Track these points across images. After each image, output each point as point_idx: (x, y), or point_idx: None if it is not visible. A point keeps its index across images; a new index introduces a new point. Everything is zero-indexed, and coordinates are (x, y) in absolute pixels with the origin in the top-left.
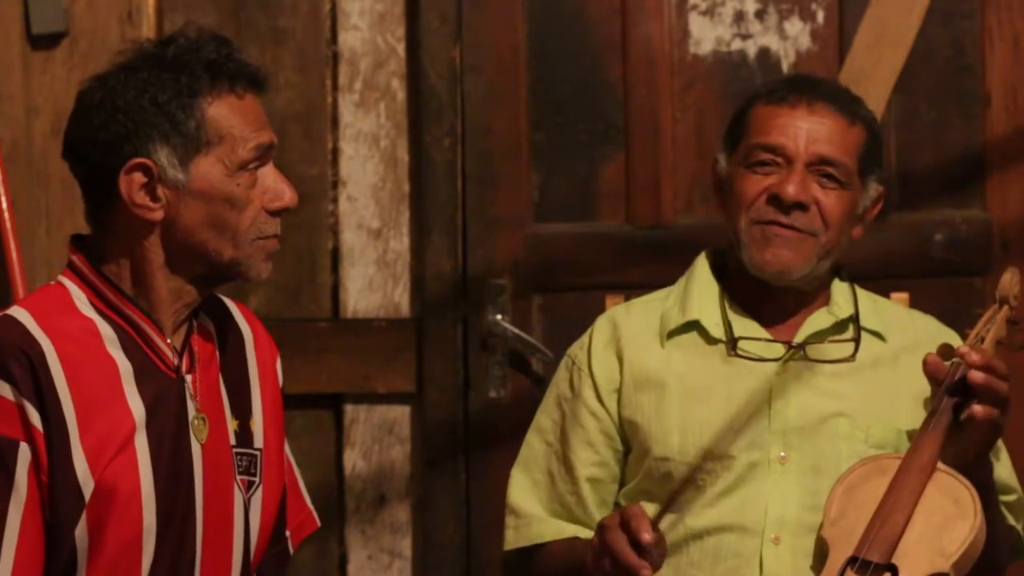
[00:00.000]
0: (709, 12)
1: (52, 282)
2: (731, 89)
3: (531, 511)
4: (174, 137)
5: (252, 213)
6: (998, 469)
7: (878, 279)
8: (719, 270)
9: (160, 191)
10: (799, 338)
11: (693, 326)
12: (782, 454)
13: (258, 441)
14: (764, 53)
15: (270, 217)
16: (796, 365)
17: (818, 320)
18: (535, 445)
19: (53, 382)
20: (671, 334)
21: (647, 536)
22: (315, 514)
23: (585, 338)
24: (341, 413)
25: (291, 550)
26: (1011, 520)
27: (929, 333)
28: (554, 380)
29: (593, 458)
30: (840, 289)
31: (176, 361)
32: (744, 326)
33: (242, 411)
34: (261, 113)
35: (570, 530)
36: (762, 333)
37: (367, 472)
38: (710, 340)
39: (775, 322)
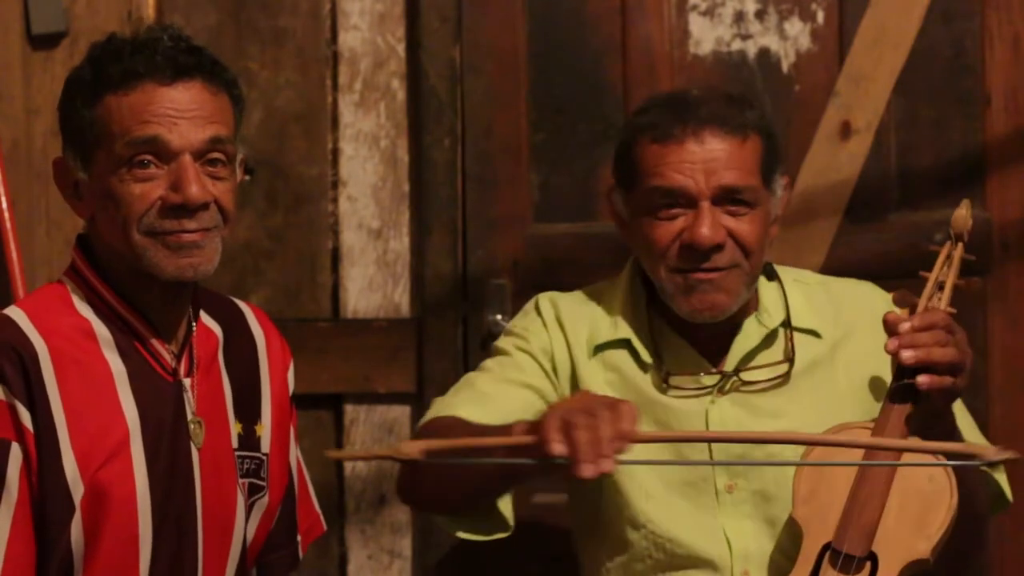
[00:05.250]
0: (709, 12)
1: (54, 281)
2: (731, 89)
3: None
4: (75, 138)
5: (139, 208)
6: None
7: (878, 279)
8: (646, 285)
9: (82, 189)
10: (731, 357)
11: (624, 344)
12: (728, 483)
13: (265, 446)
14: (764, 53)
15: (169, 212)
16: (731, 386)
17: (748, 336)
18: (460, 384)
19: (44, 382)
20: (600, 347)
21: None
22: (322, 518)
23: (530, 313)
24: (341, 413)
25: (301, 554)
26: (983, 467)
27: (869, 308)
28: (494, 347)
29: (528, 393)
30: (768, 291)
31: (174, 364)
32: (675, 354)
33: (247, 415)
34: (158, 104)
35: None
36: (694, 358)
37: (367, 472)
38: (642, 364)
39: (706, 338)
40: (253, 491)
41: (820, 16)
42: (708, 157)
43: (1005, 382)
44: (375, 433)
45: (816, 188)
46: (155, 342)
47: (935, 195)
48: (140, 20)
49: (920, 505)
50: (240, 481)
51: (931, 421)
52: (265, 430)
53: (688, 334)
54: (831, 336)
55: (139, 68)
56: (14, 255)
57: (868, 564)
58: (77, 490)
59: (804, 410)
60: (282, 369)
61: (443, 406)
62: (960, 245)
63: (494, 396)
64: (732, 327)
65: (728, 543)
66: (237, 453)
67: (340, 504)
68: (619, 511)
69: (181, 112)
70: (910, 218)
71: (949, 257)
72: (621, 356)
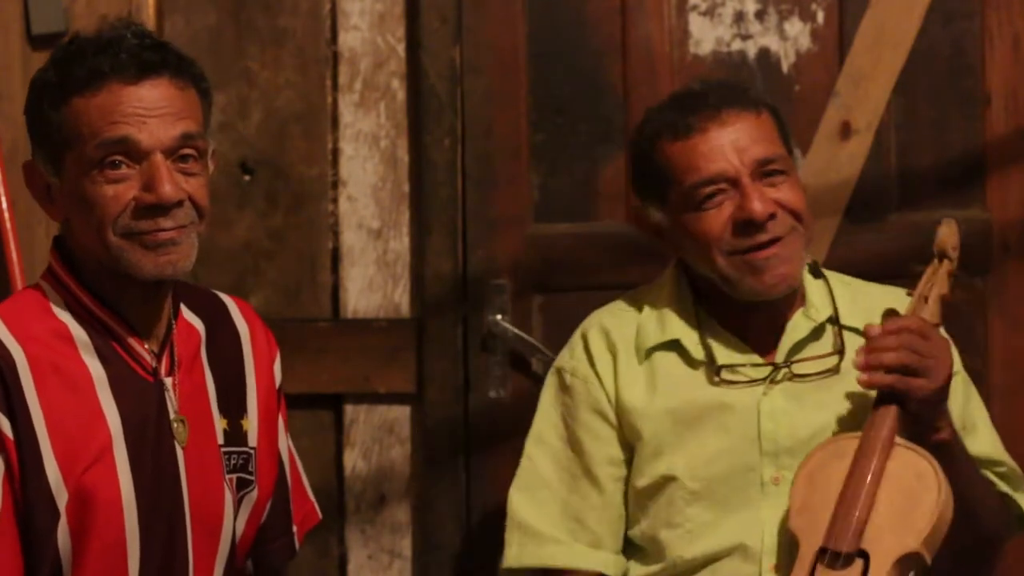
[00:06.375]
0: (709, 12)
1: (31, 285)
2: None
3: (542, 529)
4: (44, 141)
5: (114, 210)
6: (976, 444)
7: (878, 279)
8: (691, 283)
9: (54, 192)
10: (781, 349)
11: (673, 345)
12: (775, 475)
13: (252, 439)
14: (764, 53)
15: (144, 212)
16: (782, 377)
17: (797, 328)
18: (540, 462)
19: (22, 390)
20: (651, 351)
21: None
22: (317, 507)
23: (578, 348)
24: (341, 413)
25: (297, 544)
26: (1004, 487)
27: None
28: (546, 397)
29: (615, 469)
30: (815, 288)
31: (154, 364)
32: (725, 348)
33: (233, 410)
34: (126, 103)
35: (595, 560)
36: (744, 351)
37: (367, 472)
38: (692, 362)
39: (755, 332)
40: (241, 486)
41: (820, 16)
42: (734, 137)
43: (1005, 382)
44: (375, 433)
45: (816, 188)
46: (134, 343)
47: (935, 195)
48: (104, 19)
49: (907, 500)
50: (227, 477)
51: (924, 429)
52: (252, 424)
53: (738, 329)
54: None
55: (104, 68)
56: (14, 255)
57: (860, 561)
58: (61, 496)
59: (851, 404)
60: (268, 361)
61: (538, 543)
62: (945, 262)
63: (584, 510)
64: (781, 321)
65: (762, 534)
66: (223, 449)
67: (340, 504)
68: (656, 515)
69: (149, 110)
70: (910, 218)
71: (934, 275)
72: (669, 358)
